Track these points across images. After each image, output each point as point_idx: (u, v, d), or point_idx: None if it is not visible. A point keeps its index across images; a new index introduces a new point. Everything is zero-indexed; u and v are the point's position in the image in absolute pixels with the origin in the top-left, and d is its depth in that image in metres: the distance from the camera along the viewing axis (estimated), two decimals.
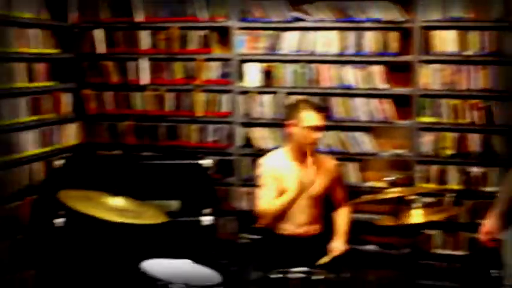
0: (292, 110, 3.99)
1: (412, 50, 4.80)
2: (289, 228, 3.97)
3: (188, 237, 4.48)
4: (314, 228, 4.01)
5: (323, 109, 4.07)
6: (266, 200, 3.92)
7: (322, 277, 3.34)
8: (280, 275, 3.34)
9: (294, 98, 4.88)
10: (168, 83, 5.25)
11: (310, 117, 3.85)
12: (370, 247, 4.88)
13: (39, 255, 4.78)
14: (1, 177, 4.42)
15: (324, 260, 3.66)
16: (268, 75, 5.07)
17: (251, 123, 5.14)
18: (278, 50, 5.03)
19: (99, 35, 5.29)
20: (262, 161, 4.09)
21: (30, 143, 4.74)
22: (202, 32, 5.16)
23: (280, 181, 3.91)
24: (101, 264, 4.28)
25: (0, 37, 4.40)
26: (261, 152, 4.93)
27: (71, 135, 5.26)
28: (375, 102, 4.89)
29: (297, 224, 3.96)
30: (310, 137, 3.85)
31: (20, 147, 4.64)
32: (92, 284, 4.44)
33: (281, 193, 3.91)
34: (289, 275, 3.34)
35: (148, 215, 3.54)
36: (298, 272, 3.36)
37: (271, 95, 5.06)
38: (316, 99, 4.89)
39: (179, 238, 4.42)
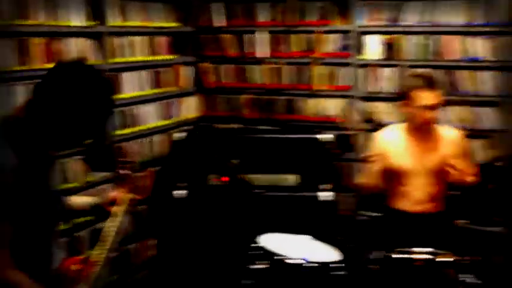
0: (403, 88, 3.76)
1: None
2: (406, 205, 3.82)
3: (306, 212, 4.44)
4: (433, 206, 3.82)
5: (438, 85, 3.65)
6: (365, 175, 3.83)
7: (447, 259, 3.20)
8: (403, 255, 3.22)
9: (409, 72, 4.70)
10: (286, 55, 5.20)
11: (422, 96, 3.55)
12: (499, 229, 4.68)
13: (160, 225, 4.91)
14: (124, 148, 4.55)
15: None
16: (389, 47, 4.90)
17: (371, 97, 5.00)
18: (400, 21, 4.84)
19: (218, 8, 5.30)
20: (376, 134, 3.96)
21: (151, 116, 4.85)
22: (321, 4, 5.05)
23: (390, 157, 3.73)
24: (218, 236, 4.33)
25: (122, 12, 4.49)
26: (381, 127, 4.81)
27: (190, 108, 5.34)
28: (503, 75, 4.61)
29: (414, 201, 3.80)
30: (424, 117, 3.58)
31: (142, 119, 4.75)
32: (209, 255, 4.52)
33: (388, 169, 3.75)
34: (413, 256, 3.23)
35: None
36: (422, 252, 3.24)
37: (393, 68, 4.89)
38: (440, 73, 4.71)
39: (297, 213, 4.40)
